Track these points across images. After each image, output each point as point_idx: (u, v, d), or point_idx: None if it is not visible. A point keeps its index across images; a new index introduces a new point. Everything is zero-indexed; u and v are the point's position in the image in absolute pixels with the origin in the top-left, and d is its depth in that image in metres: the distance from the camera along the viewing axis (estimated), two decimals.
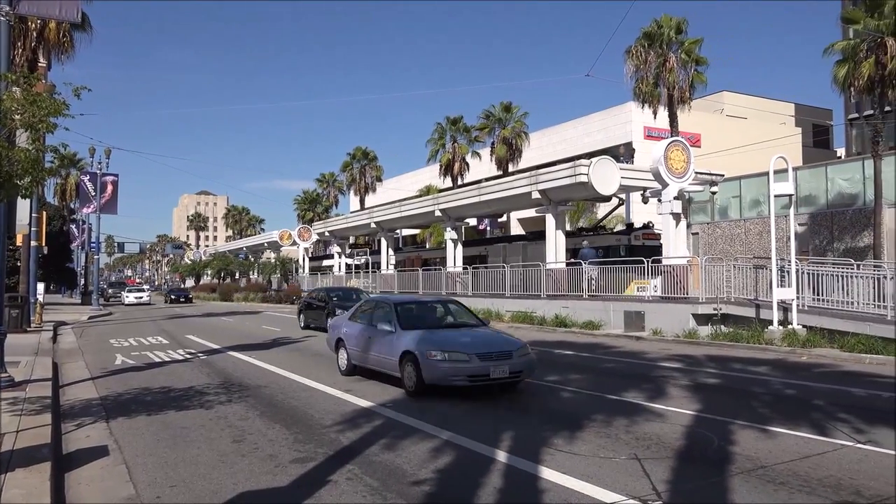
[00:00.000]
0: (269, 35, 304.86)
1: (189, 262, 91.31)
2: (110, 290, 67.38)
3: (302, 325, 24.16)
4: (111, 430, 7.96)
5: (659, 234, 25.64)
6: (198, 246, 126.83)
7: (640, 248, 25.81)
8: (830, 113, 58.53)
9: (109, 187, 39.60)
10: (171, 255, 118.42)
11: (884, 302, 15.33)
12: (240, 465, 6.48)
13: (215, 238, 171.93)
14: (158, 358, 15.68)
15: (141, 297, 51.97)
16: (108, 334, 22.58)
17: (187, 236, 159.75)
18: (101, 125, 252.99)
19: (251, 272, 66.97)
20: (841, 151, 56.07)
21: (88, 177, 40.06)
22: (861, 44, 25.48)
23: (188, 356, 15.99)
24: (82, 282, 58.39)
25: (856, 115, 50.40)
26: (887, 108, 27.43)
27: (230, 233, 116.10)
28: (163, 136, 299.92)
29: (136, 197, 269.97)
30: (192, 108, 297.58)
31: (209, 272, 78.15)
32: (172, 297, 54.88)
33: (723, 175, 26.96)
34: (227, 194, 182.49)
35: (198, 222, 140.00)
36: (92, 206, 39.77)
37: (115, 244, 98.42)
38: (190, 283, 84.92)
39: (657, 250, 24.10)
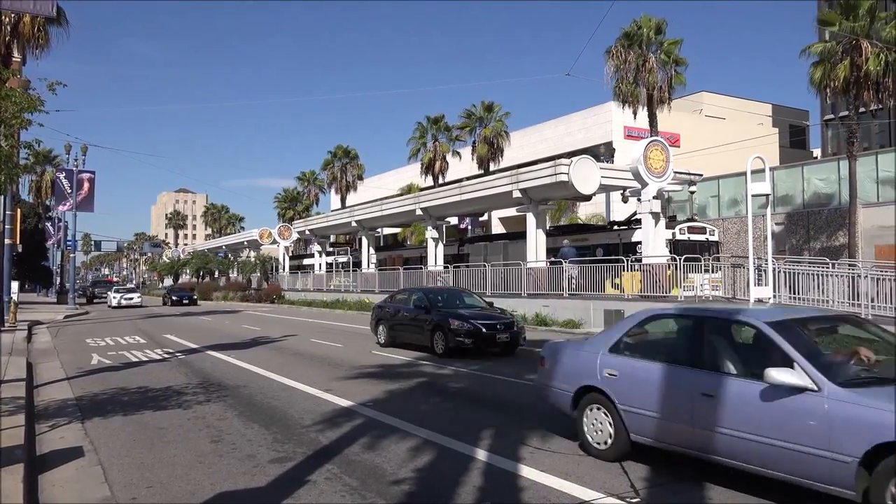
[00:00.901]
0: (249, 32, 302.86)
1: (167, 260, 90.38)
2: (95, 290, 60.73)
3: (382, 341, 17.20)
4: (86, 431, 7.86)
5: (704, 228, 25.00)
6: (176, 244, 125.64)
7: (684, 244, 23.79)
8: (807, 114, 59.32)
9: (86, 184, 39.06)
10: (149, 254, 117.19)
11: (858, 300, 15.58)
12: (217, 466, 6.43)
13: (194, 236, 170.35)
14: (136, 358, 15.51)
15: (131, 299, 44.60)
16: (85, 334, 22.29)
17: (166, 234, 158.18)
18: (78, 122, 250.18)
19: (231, 271, 66.44)
20: (817, 152, 56.85)
21: (64, 174, 39.48)
22: (837, 46, 25.86)
23: (166, 356, 15.84)
24: (58, 280, 57.56)
25: (831, 116, 51.13)
26: (862, 110, 27.88)
27: (209, 231, 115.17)
28: (141, 133, 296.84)
29: (113, 194, 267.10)
30: (170, 105, 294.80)
31: (188, 271, 77.39)
32: (174, 298, 47.61)
33: (701, 175, 27.24)
34: (207, 192, 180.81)
35: (176, 220, 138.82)
36: (68, 204, 39.21)
37: (92, 242, 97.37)
38: (168, 281, 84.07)
39: (706, 247, 23.68)
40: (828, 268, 18.43)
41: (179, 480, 6.00)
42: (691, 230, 24.66)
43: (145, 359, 15.29)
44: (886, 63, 24.88)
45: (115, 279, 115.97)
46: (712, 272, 19.61)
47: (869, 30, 25.30)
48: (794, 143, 58.09)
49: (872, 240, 28.77)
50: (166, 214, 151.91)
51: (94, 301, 54.37)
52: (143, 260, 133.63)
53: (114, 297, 44.56)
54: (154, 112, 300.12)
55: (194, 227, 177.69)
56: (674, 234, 23.84)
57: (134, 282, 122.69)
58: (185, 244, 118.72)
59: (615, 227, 27.10)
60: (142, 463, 6.57)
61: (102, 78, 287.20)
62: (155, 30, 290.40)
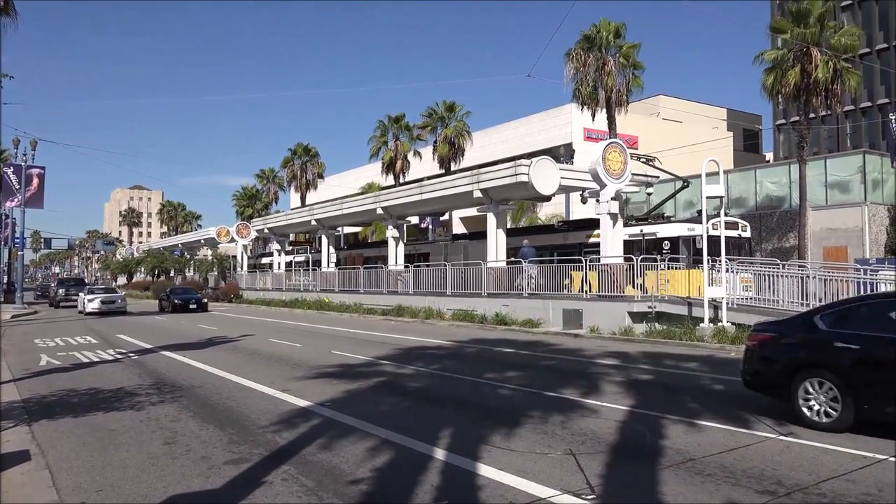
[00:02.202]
0: (206, 28, 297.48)
1: (121, 258, 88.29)
2: (60, 291, 44.98)
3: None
4: (34, 434, 7.63)
5: (737, 224, 23.47)
6: (130, 242, 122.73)
7: (717, 240, 23.41)
8: (760, 118, 60.98)
9: (35, 180, 37.92)
10: (102, 252, 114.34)
11: (807, 300, 16.05)
12: (171, 468, 6.30)
13: (149, 234, 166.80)
14: (87, 358, 15.12)
15: (114, 303, 33.58)
16: (33, 334, 21.65)
17: (119, 232, 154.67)
18: (28, 116, 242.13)
19: (187, 269, 65.22)
20: (769, 156, 58.45)
21: (12, 169, 38.20)
22: (788, 53, 26.62)
23: (119, 356, 15.48)
24: (5, 279, 55.68)
25: (783, 121, 52.65)
26: (812, 116, 28.73)
27: (165, 229, 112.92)
28: (94, 128, 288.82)
29: (65, 191, 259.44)
30: (125, 101, 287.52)
31: (142, 269, 75.74)
32: (176, 302, 35.38)
33: (658, 177, 27.68)
34: (163, 189, 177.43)
35: (131, 218, 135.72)
36: (16, 200, 37.98)
37: (42, 240, 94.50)
38: (122, 280, 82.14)
39: (743, 244, 23.07)
40: (779, 268, 18.98)
41: (131, 483, 5.87)
42: (725, 225, 22.38)
43: (97, 359, 14.92)
44: (835, 71, 25.73)
45: (87, 278, 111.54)
46: (668, 271, 19.80)
47: (819, 38, 26.11)
48: (748, 146, 59.62)
49: (821, 241, 29.72)
50: (120, 212, 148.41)
51: (62, 305, 42.31)
52: (96, 258, 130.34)
53: (89, 301, 33.14)
54: (108, 107, 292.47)
55: (150, 224, 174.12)
56: (707, 229, 21.60)
57: (85, 280, 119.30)
58: (140, 242, 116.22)
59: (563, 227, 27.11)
60: (92, 466, 6.40)
61: (54, 72, 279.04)
62: (108, 24, 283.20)
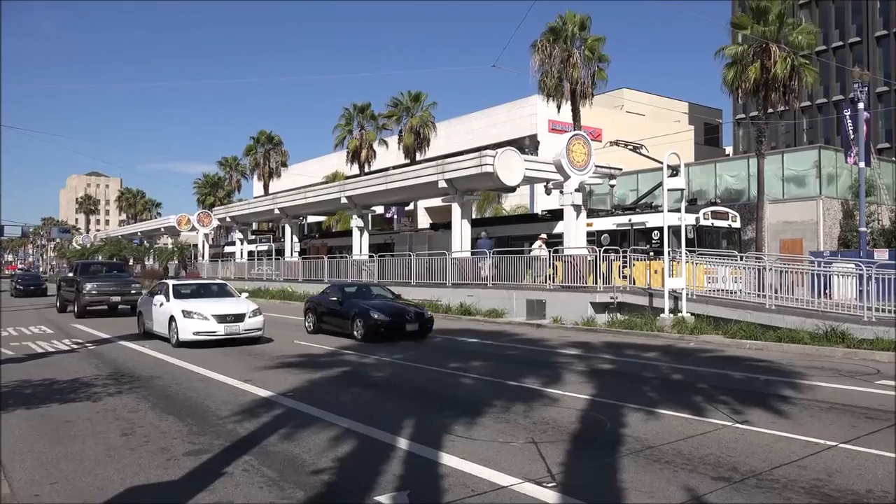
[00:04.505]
0: (168, 12, 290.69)
1: (78, 246, 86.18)
2: (87, 287, 23.89)
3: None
4: None
5: (727, 214, 23.33)
6: (88, 230, 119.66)
7: (709, 230, 22.42)
8: (721, 112, 62.00)
9: None
10: (58, 240, 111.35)
11: (763, 291, 16.43)
12: (128, 460, 6.20)
13: (107, 222, 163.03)
14: (41, 349, 14.76)
15: (240, 321, 15.10)
16: None
17: (76, 220, 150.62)
18: None
19: (146, 258, 63.97)
20: (729, 150, 59.56)
21: None
22: (748, 49, 27.10)
23: (75, 346, 15.14)
24: None
25: (743, 115, 53.67)
26: (770, 111, 29.33)
27: (124, 217, 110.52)
28: (48, 112, 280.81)
29: (17, 177, 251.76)
30: (80, 84, 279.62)
31: (100, 258, 74.09)
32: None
33: (621, 169, 28.01)
34: (121, 176, 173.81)
35: (88, 205, 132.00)
36: None
37: None
38: None
39: (732, 235, 23.21)
40: (736, 260, 19.40)
41: (87, 475, 5.76)
42: (715, 215, 22.74)
43: (52, 350, 14.57)
44: (792, 67, 26.30)
45: (42, 267, 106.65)
46: (628, 264, 20.06)
47: (778, 35, 26.63)
48: (708, 140, 60.65)
49: (778, 234, 30.42)
50: (77, 199, 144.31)
51: (93, 310, 23.89)
52: (52, 246, 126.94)
53: (189, 319, 14.76)
54: (63, 91, 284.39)
55: (108, 212, 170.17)
56: (697, 219, 21.83)
57: (40, 268, 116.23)
58: (98, 230, 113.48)
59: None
60: (46, 459, 6.26)
61: (6, 53, 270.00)
62: (64, 6, 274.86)
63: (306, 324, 18.34)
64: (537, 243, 22.39)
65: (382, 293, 18.35)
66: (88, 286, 23.70)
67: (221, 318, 14.64)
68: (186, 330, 14.42)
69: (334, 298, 17.53)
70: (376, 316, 15.67)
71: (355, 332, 15.91)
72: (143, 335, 16.82)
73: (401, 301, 18.09)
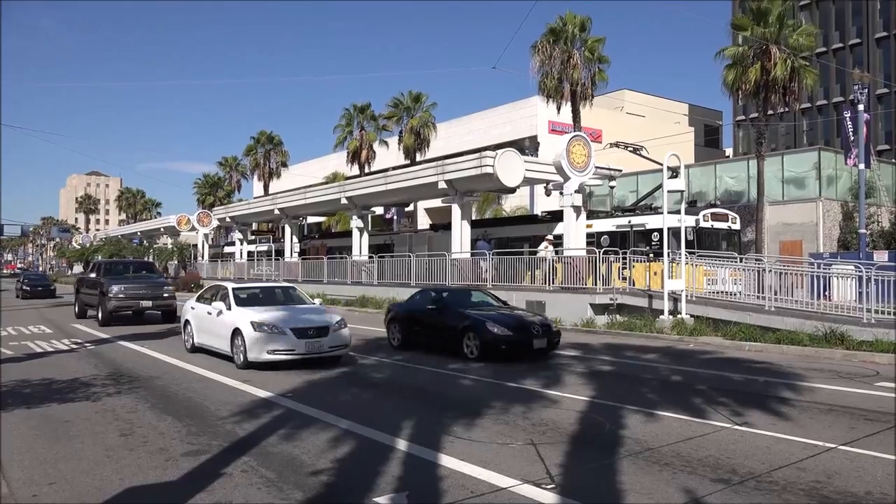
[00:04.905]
0: (169, 12, 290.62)
1: (77, 246, 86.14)
2: (114, 290, 20.36)
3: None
4: None
5: (727, 216, 23.31)
6: (87, 230, 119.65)
7: (708, 232, 22.40)
8: (721, 114, 62.00)
9: None
10: (58, 240, 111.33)
11: (763, 293, 16.42)
12: (127, 460, 6.19)
13: (107, 222, 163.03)
14: (40, 348, 14.75)
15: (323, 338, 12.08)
16: None
17: (76, 219, 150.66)
18: None
19: (146, 258, 63.92)
20: (729, 151, 59.57)
21: None
22: (748, 50, 27.10)
23: (74, 346, 15.14)
24: None
25: (743, 117, 53.69)
26: (770, 112, 29.34)
27: (124, 216, 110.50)
28: (49, 112, 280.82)
29: (17, 177, 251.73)
30: (81, 83, 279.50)
31: (99, 257, 74.09)
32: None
33: (621, 170, 28.00)
34: (121, 176, 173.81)
35: (88, 204, 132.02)
36: None
37: None
38: (79, 269, 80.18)
39: (732, 236, 23.23)
40: (736, 262, 19.40)
41: (85, 476, 5.75)
42: (715, 217, 22.80)
43: (51, 349, 14.57)
44: (792, 69, 26.30)
45: (41, 267, 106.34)
46: (628, 267, 20.06)
47: (778, 36, 26.64)
48: (708, 142, 60.66)
49: (777, 236, 30.42)
50: (77, 198, 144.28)
51: (120, 317, 21.15)
52: (52, 246, 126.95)
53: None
54: (63, 90, 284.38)
55: (107, 212, 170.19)
56: (697, 221, 21.89)
57: (39, 268, 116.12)
58: (98, 230, 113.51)
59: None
60: (44, 459, 6.25)
61: (6, 52, 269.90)
62: (64, 5, 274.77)
63: (391, 338, 14.95)
64: (544, 244, 22.45)
65: (485, 299, 14.99)
66: (115, 289, 20.33)
67: (301, 333, 11.55)
68: (258, 347, 11.36)
69: (432, 307, 14.05)
70: (496, 330, 12.39)
71: (466, 350, 12.71)
72: (192, 351, 13.79)
73: (518, 309, 15.16)
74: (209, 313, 13.03)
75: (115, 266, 24.66)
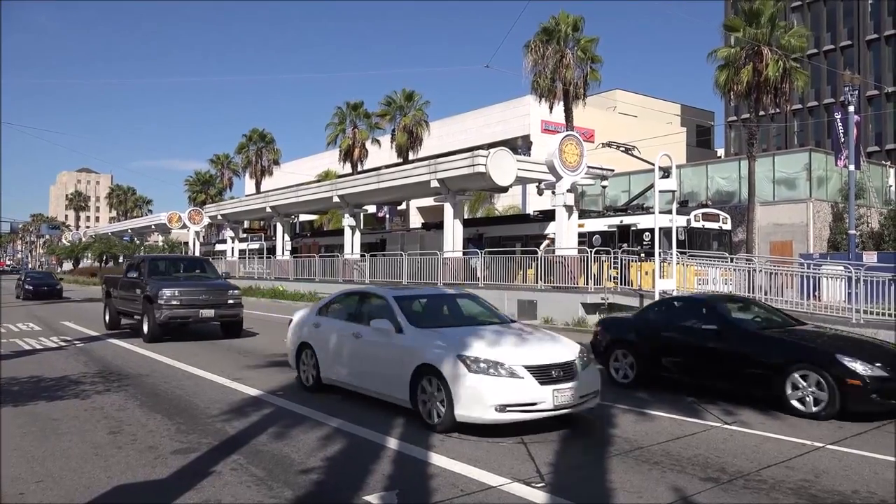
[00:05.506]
0: (161, 9, 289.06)
1: (67, 243, 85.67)
2: (120, 293, 17.99)
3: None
4: None
5: (718, 215, 23.45)
6: (77, 227, 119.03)
7: (699, 232, 22.53)
8: (712, 115, 62.24)
9: None
10: (48, 236, 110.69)
11: (753, 293, 16.49)
12: (116, 458, 6.16)
13: (97, 219, 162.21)
14: (29, 346, 14.66)
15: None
16: None
17: (66, 216, 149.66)
18: None
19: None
20: (721, 151, 59.78)
21: None
22: (741, 51, 27.20)
23: (63, 344, 15.04)
24: None
25: (734, 118, 53.86)
26: (762, 113, 29.46)
27: (114, 214, 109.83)
28: (39, 108, 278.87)
29: (7, 173, 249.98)
30: (72, 80, 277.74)
31: (89, 255, 73.68)
32: None
33: (613, 170, 28.02)
34: (112, 173, 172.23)
35: (78, 201, 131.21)
36: None
37: None
38: (68, 266, 79.78)
39: (723, 236, 23.27)
40: (727, 262, 19.48)
41: (73, 474, 5.72)
42: (706, 217, 22.92)
43: (40, 347, 14.48)
44: (784, 70, 26.41)
45: (30, 264, 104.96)
46: (613, 266, 20.06)
47: (770, 37, 26.74)
48: (700, 142, 60.86)
49: (768, 236, 30.56)
50: (67, 195, 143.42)
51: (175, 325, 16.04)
52: (41, 243, 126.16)
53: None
54: (54, 87, 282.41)
55: (97, 209, 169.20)
56: (688, 220, 21.93)
57: (28, 265, 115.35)
58: (88, 227, 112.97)
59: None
60: (32, 456, 6.21)
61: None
62: (61, 3, 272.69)
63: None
64: (546, 242, 22.55)
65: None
66: (167, 293, 15.24)
67: (542, 374, 6.98)
68: (477, 398, 6.82)
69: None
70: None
71: None
72: (314, 389, 9.29)
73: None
74: (356, 336, 8.57)
75: (163, 263, 18.83)
